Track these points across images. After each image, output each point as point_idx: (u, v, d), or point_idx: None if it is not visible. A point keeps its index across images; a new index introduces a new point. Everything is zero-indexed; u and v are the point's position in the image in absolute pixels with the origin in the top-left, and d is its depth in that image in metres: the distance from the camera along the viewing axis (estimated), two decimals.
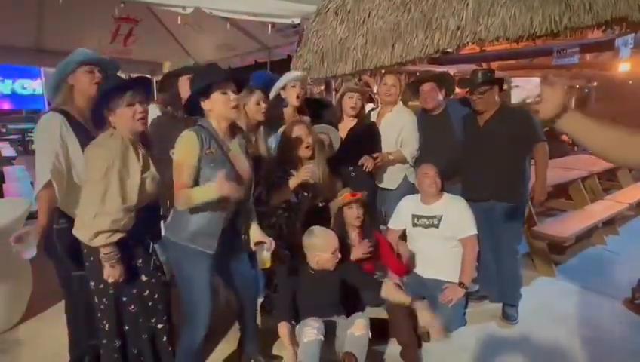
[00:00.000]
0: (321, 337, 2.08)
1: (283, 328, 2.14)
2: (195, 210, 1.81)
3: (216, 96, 1.81)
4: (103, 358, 1.92)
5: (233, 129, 1.96)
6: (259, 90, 2.50)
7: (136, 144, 1.83)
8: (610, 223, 4.40)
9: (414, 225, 2.85)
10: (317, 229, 2.33)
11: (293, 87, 2.80)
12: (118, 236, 1.72)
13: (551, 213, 4.90)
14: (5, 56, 5.40)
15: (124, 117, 1.78)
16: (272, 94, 2.81)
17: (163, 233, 2.06)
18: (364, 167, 2.79)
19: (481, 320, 2.80)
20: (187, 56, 6.50)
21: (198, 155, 1.78)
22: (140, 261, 1.87)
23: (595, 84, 12.31)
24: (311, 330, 2.09)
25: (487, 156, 2.73)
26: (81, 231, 1.72)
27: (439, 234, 2.76)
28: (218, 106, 1.83)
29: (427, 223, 2.79)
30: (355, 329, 2.10)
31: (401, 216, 2.92)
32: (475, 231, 2.71)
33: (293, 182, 2.45)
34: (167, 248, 1.93)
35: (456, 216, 2.73)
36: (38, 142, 1.98)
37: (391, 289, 2.25)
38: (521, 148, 2.69)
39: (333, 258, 2.25)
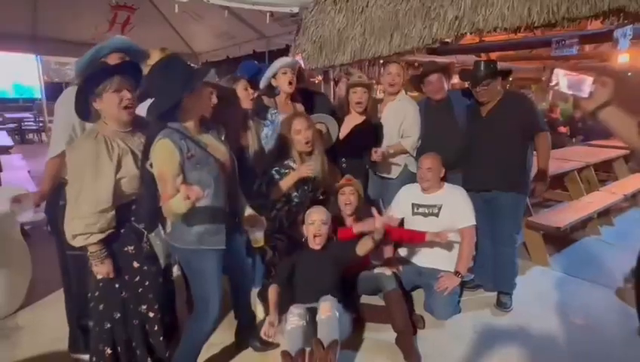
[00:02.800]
0: (304, 322, 2.11)
1: (272, 291, 2.29)
2: (195, 213, 1.72)
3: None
4: (95, 339, 1.94)
5: (203, 122, 1.88)
6: (243, 78, 2.50)
7: (115, 140, 1.75)
8: (606, 214, 4.43)
9: (414, 213, 2.87)
10: (314, 206, 2.46)
11: (285, 73, 2.76)
12: (97, 237, 1.72)
13: (547, 204, 4.93)
14: (1, 44, 5.36)
15: (111, 103, 1.73)
16: (262, 82, 2.79)
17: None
18: (373, 159, 2.82)
19: (476, 308, 2.83)
20: (185, 45, 6.46)
21: (179, 162, 1.70)
22: (132, 248, 1.87)
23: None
24: (293, 317, 2.14)
25: (490, 146, 2.74)
26: (66, 232, 1.74)
27: (438, 223, 2.78)
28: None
29: (427, 212, 2.82)
30: (321, 313, 2.14)
31: (401, 204, 2.94)
32: (474, 222, 2.74)
33: (292, 178, 2.47)
34: (175, 249, 1.89)
35: (456, 206, 2.75)
36: (57, 112, 1.99)
37: (362, 244, 2.32)
38: (523, 137, 2.69)
39: (314, 228, 2.37)
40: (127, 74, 1.78)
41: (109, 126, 1.78)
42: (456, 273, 2.72)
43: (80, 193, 1.69)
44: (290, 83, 2.76)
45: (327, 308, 2.15)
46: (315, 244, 2.42)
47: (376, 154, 2.82)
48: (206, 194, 1.67)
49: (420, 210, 2.85)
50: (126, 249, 1.85)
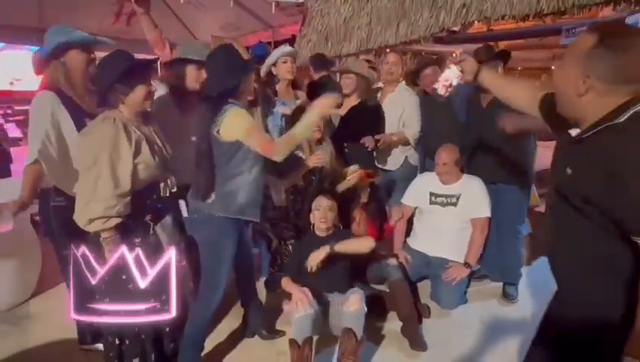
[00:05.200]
0: (312, 311, 2.12)
1: (286, 280, 2.31)
2: (242, 179, 1.91)
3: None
4: (104, 333, 1.96)
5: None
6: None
7: (131, 126, 1.80)
8: None
9: (431, 203, 2.86)
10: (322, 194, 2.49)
11: (285, 62, 2.81)
12: (113, 222, 1.73)
13: None
14: (6, 35, 5.37)
15: (140, 94, 1.80)
16: (263, 71, 2.81)
17: (188, 212, 2.10)
18: (367, 146, 2.78)
19: (482, 299, 2.83)
20: (190, 36, 6.45)
21: None
22: (138, 240, 1.87)
23: None
24: (304, 304, 2.14)
25: (492, 137, 2.71)
26: (78, 217, 1.74)
27: (456, 212, 2.79)
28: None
29: (445, 201, 2.81)
30: (350, 305, 2.15)
31: (418, 193, 2.93)
32: (489, 214, 2.72)
33: (302, 169, 2.48)
34: (206, 223, 1.97)
35: (474, 196, 2.75)
36: (31, 120, 1.98)
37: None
38: None
39: (319, 214, 2.39)
40: (154, 68, 1.95)
41: (124, 114, 1.81)
42: (466, 264, 2.71)
43: (99, 176, 1.69)
44: (289, 71, 2.81)
45: (357, 301, 2.16)
46: (321, 230, 2.42)
47: (368, 142, 2.79)
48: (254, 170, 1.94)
49: (439, 199, 2.84)
50: (133, 241, 1.86)
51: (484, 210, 2.73)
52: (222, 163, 1.90)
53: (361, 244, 2.38)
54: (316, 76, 3.29)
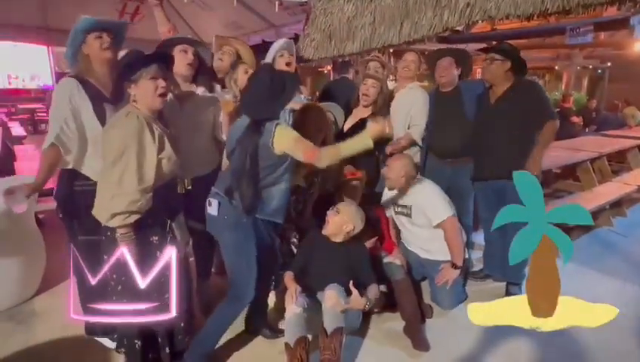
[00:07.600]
0: (301, 310, 2.11)
1: (288, 276, 2.32)
2: (278, 187, 2.05)
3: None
4: (118, 330, 1.98)
5: None
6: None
7: (152, 123, 1.81)
8: (618, 205, 4.38)
9: (396, 212, 2.87)
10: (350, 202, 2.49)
11: (281, 56, 2.81)
12: (134, 217, 1.72)
13: (558, 195, 4.88)
14: (11, 34, 5.40)
15: (146, 90, 1.79)
16: None
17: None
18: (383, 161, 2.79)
19: (485, 299, 2.77)
20: (194, 35, 6.46)
21: None
22: (155, 238, 1.88)
23: (609, 64, 12.05)
24: (291, 305, 2.15)
25: (499, 134, 2.72)
26: (99, 212, 1.74)
27: (414, 223, 2.77)
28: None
29: (404, 212, 2.81)
30: (326, 302, 2.15)
31: (387, 202, 2.93)
32: (448, 214, 2.64)
33: (303, 169, 2.47)
34: (235, 226, 2.04)
35: (425, 204, 2.69)
36: (52, 103, 2.00)
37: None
38: (533, 125, 2.65)
39: (332, 218, 2.34)
40: (162, 63, 1.86)
41: (141, 110, 1.81)
42: (453, 265, 2.70)
43: (126, 170, 1.69)
44: (288, 64, 2.80)
45: (331, 297, 2.15)
46: (325, 230, 2.38)
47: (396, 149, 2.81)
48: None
49: (399, 209, 2.84)
50: (151, 239, 1.86)
51: (441, 213, 2.64)
52: (267, 172, 2.00)
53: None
54: (336, 77, 3.29)
